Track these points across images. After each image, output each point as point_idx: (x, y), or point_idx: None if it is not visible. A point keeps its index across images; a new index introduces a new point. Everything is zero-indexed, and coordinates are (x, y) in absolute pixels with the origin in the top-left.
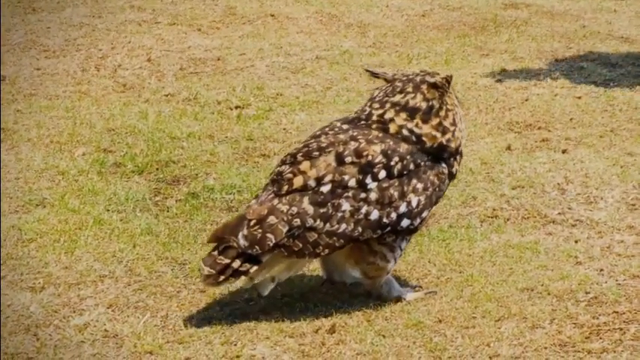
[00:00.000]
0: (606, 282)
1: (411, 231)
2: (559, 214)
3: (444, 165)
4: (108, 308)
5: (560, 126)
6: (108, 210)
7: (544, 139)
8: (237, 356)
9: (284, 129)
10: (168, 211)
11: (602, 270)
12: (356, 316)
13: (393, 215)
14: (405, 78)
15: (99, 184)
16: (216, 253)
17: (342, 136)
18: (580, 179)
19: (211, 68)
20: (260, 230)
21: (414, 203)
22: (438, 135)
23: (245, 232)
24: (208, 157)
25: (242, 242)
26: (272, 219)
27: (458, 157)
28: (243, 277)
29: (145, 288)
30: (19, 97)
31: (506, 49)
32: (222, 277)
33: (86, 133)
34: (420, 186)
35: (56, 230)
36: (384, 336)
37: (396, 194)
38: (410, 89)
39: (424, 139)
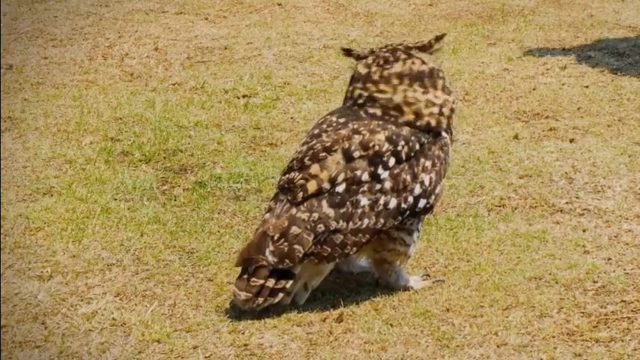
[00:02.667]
0: (614, 271)
1: (427, 210)
2: (567, 203)
3: (444, 135)
4: (115, 297)
5: (567, 115)
6: (115, 199)
7: (552, 128)
8: (245, 345)
9: (291, 118)
10: (175, 200)
11: (610, 259)
12: (363, 304)
13: (410, 199)
14: (385, 48)
15: (106, 172)
16: (246, 275)
17: (343, 132)
18: (588, 168)
19: (218, 57)
20: (286, 243)
21: (426, 182)
22: (449, 98)
23: (271, 248)
24: (215, 146)
25: (271, 259)
26: (295, 229)
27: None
28: (280, 294)
29: (153, 276)
30: (27, 86)
31: (514, 38)
32: (261, 299)
33: (93, 121)
34: (428, 164)
35: (64, 219)
36: (391, 325)
37: (408, 178)
38: (403, 55)
39: (443, 109)
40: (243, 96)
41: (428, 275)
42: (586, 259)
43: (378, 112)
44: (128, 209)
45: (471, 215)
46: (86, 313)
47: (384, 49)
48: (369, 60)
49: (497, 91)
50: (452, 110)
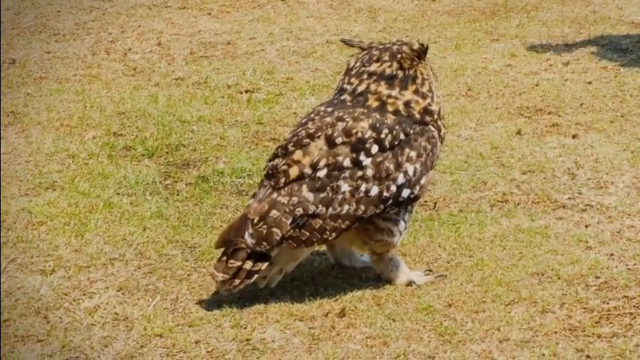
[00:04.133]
0: (616, 267)
1: (412, 200)
2: (569, 198)
3: (432, 129)
4: (118, 291)
5: (570, 111)
6: (118, 193)
7: (554, 124)
8: (247, 339)
9: (294, 113)
10: (178, 195)
11: (612, 255)
12: (366, 299)
13: (393, 188)
14: (381, 47)
15: (109, 167)
16: (225, 257)
17: (328, 119)
18: (590, 164)
19: (221, 52)
20: (265, 226)
21: (410, 172)
22: (420, 100)
23: (250, 230)
24: (218, 141)
25: (249, 241)
26: (274, 213)
27: (441, 121)
28: (256, 277)
29: (155, 271)
30: (30, 81)
31: (517, 34)
32: (237, 281)
33: (96, 116)
34: (413, 154)
35: (66, 213)
36: (394, 320)
37: (391, 166)
38: (387, 58)
39: (411, 105)
40: (246, 91)
41: (430, 270)
42: (588, 254)
43: (348, 97)
44: (131, 204)
45: (474, 211)
46: (88, 308)
47: (379, 47)
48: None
49: (500, 86)
50: (425, 110)
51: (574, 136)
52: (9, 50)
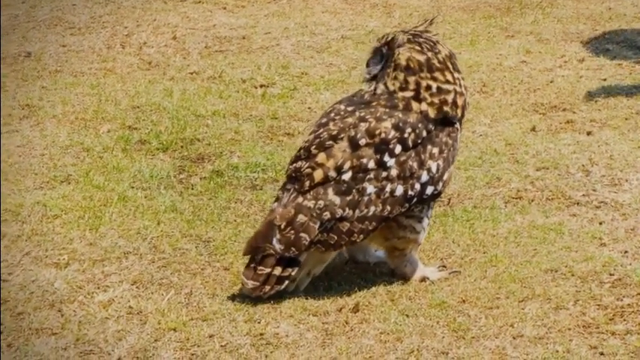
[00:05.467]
0: (630, 264)
1: (435, 196)
2: (583, 195)
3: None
4: (132, 285)
5: (585, 108)
6: (132, 187)
7: (569, 121)
8: (261, 334)
9: (309, 108)
10: (192, 189)
11: (626, 252)
12: (380, 295)
13: (417, 186)
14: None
15: (123, 161)
16: (254, 264)
17: (350, 120)
18: (605, 161)
19: (236, 47)
20: (292, 231)
21: (433, 169)
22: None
23: (278, 236)
24: (233, 136)
25: (278, 247)
26: (301, 217)
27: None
28: (286, 282)
29: (169, 265)
30: (45, 74)
31: (532, 30)
32: (267, 287)
33: (111, 110)
34: (435, 150)
35: (81, 207)
36: (407, 315)
37: (415, 165)
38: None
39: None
40: (261, 86)
41: (444, 266)
42: (602, 251)
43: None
44: (145, 197)
45: (488, 207)
46: (103, 301)
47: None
48: None
49: (514, 83)
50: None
51: (588, 133)
52: (24, 43)
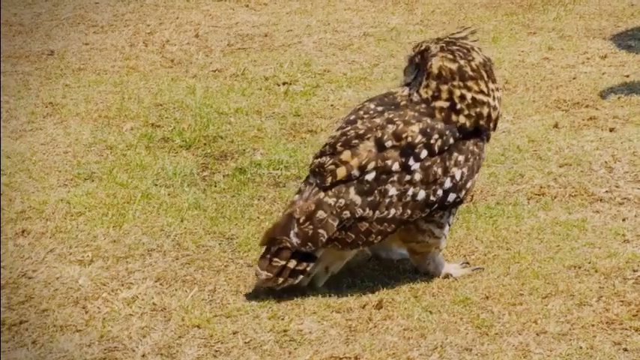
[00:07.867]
0: None
1: (457, 204)
2: (606, 192)
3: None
4: (156, 282)
5: (607, 104)
6: (156, 184)
7: (591, 118)
8: (285, 330)
9: (331, 105)
10: (215, 186)
11: None
12: (403, 291)
13: (440, 192)
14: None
15: (147, 158)
16: (269, 255)
17: (378, 120)
18: (628, 157)
19: (259, 44)
20: (311, 227)
21: (457, 176)
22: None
23: (296, 230)
24: (256, 133)
25: (295, 240)
26: (321, 214)
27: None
28: (301, 277)
29: (193, 262)
30: (68, 72)
31: (554, 27)
32: (281, 280)
33: (134, 107)
34: (461, 158)
35: (104, 204)
36: (431, 312)
37: (439, 171)
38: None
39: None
40: (284, 83)
41: (467, 263)
42: (626, 247)
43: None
44: (168, 195)
45: (511, 203)
46: (127, 298)
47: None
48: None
49: (537, 79)
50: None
51: (611, 130)
52: (48, 42)
